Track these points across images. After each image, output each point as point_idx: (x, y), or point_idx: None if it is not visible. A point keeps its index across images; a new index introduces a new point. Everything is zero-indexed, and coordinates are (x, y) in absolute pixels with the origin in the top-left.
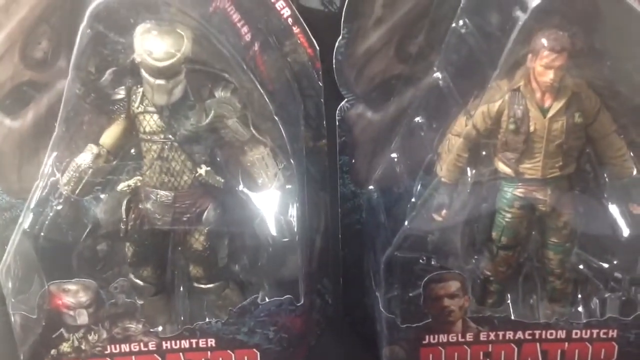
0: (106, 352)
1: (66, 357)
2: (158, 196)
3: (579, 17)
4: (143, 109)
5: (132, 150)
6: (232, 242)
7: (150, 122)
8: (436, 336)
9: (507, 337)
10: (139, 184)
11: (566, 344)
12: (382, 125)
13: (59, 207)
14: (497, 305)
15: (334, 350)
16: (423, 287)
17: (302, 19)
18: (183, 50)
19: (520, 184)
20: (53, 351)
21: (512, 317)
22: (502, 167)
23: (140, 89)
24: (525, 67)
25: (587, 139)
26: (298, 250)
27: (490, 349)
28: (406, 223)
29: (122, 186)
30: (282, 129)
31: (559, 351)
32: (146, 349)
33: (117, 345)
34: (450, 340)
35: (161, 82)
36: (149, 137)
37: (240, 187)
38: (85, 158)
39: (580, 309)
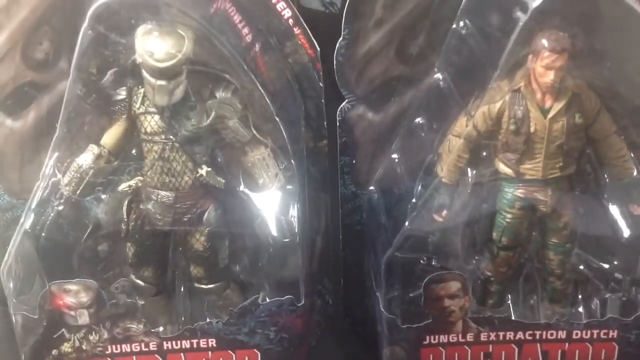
0: (107, 352)
1: (67, 357)
2: (159, 197)
3: (579, 18)
4: (144, 109)
5: (133, 151)
6: (232, 242)
7: (152, 122)
8: (437, 336)
9: (507, 338)
10: (139, 184)
11: (567, 344)
12: (382, 126)
13: (60, 208)
14: (497, 306)
15: (335, 351)
16: (423, 288)
17: (303, 20)
18: (184, 51)
19: (520, 184)
20: (54, 351)
21: (513, 318)
22: (503, 168)
23: (142, 90)
24: (526, 67)
25: (588, 140)
26: (299, 251)
27: (490, 350)
28: (407, 224)
29: (123, 187)
30: (282, 129)
31: (560, 351)
32: (147, 349)
33: (118, 346)
34: (451, 340)
35: (162, 82)
36: (150, 137)
37: (241, 187)
38: (86, 158)
39: (580, 309)
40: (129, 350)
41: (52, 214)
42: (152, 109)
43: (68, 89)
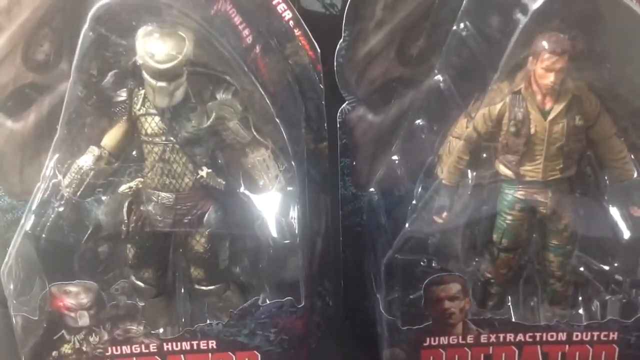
0: (107, 353)
1: (67, 359)
2: (159, 198)
3: (579, 19)
4: (144, 111)
5: (134, 152)
6: (233, 244)
7: (152, 124)
8: (437, 338)
9: (507, 340)
10: (140, 186)
11: (567, 346)
12: (382, 127)
13: (61, 209)
14: (497, 308)
15: (335, 352)
16: (424, 290)
17: (303, 22)
18: (184, 53)
19: (520, 186)
20: (54, 353)
21: (513, 320)
22: (503, 170)
23: (142, 91)
24: (526, 69)
25: (588, 142)
26: (299, 252)
27: (490, 351)
28: (407, 225)
29: (123, 188)
30: (283, 131)
31: (560, 353)
32: (147, 350)
33: (118, 347)
34: (451, 342)
35: (163, 84)
36: (150, 139)
37: (241, 189)
38: (86, 160)
39: (580, 311)
40: (129, 351)
41: (52, 216)
42: (153, 111)
43: (69, 90)
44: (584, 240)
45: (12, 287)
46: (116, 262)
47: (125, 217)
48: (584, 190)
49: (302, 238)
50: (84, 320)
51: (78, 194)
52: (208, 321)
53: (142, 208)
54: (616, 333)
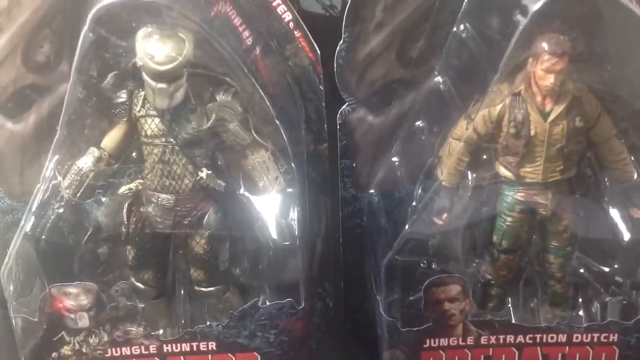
0: (107, 355)
1: None
2: (159, 199)
3: (579, 21)
4: (144, 112)
5: (134, 154)
6: (233, 245)
7: (152, 125)
8: (437, 340)
9: (507, 341)
10: (140, 187)
11: (567, 347)
12: (383, 129)
13: (61, 210)
14: (497, 309)
15: (335, 354)
16: (424, 291)
17: (303, 23)
18: (184, 54)
19: (521, 187)
20: (54, 354)
21: (513, 321)
22: (503, 171)
23: (142, 93)
24: (526, 71)
25: (588, 143)
26: (299, 254)
27: (491, 353)
28: (407, 227)
29: (123, 189)
30: (283, 132)
31: (560, 355)
32: (147, 352)
33: (118, 348)
34: (451, 344)
35: (162, 85)
36: (150, 140)
37: (241, 190)
38: (86, 161)
39: (581, 312)
40: (128, 353)
41: (52, 217)
42: (153, 112)
43: (69, 91)
44: (584, 242)
45: (12, 288)
46: (116, 264)
47: (125, 219)
48: (584, 192)
49: (302, 239)
50: (84, 321)
51: (78, 195)
52: (208, 322)
53: (142, 209)
54: (616, 335)
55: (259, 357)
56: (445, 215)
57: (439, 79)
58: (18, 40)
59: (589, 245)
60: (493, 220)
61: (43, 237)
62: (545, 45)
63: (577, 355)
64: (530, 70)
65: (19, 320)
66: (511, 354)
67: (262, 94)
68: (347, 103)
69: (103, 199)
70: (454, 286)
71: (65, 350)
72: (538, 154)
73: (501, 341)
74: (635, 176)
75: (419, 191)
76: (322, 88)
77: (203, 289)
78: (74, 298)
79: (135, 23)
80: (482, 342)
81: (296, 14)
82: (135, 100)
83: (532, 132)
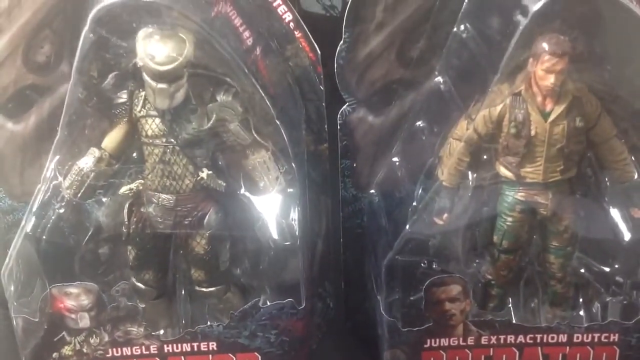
0: (108, 355)
1: None
2: (160, 200)
3: (579, 21)
4: (145, 112)
5: (134, 154)
6: (233, 245)
7: (152, 125)
8: (437, 340)
9: (508, 341)
10: (140, 187)
11: (567, 347)
12: (383, 129)
13: (61, 211)
14: (498, 309)
15: (335, 354)
16: (424, 291)
17: (303, 24)
18: (185, 54)
19: (521, 187)
20: (55, 354)
21: (514, 321)
22: (503, 171)
23: (142, 93)
24: (526, 71)
25: (588, 143)
26: (299, 254)
27: (491, 353)
28: (407, 227)
29: (124, 190)
30: (283, 132)
31: (560, 355)
32: (148, 352)
33: (119, 349)
34: (452, 344)
35: (163, 86)
36: (150, 140)
37: (242, 190)
38: (87, 161)
39: (581, 312)
40: (129, 353)
41: (53, 217)
42: (153, 112)
43: (69, 92)
44: (585, 242)
45: (12, 288)
46: (117, 264)
47: (126, 219)
48: (585, 192)
49: (303, 240)
50: (85, 321)
51: (78, 195)
52: (209, 323)
53: (142, 210)
54: (617, 335)
55: (260, 357)
56: (445, 215)
57: (439, 79)
58: (18, 40)
59: (589, 245)
60: (493, 220)
61: (44, 237)
62: (545, 46)
63: (578, 355)
64: (530, 71)
65: (20, 321)
66: (512, 354)
67: (263, 94)
68: (347, 103)
69: (104, 199)
70: (454, 286)
71: (66, 350)
72: (538, 154)
73: (502, 341)
74: (636, 176)
75: (420, 191)
76: (322, 88)
77: (204, 289)
78: (74, 298)
79: (136, 23)
80: (482, 342)
81: (297, 14)
82: (136, 100)
83: (533, 132)
